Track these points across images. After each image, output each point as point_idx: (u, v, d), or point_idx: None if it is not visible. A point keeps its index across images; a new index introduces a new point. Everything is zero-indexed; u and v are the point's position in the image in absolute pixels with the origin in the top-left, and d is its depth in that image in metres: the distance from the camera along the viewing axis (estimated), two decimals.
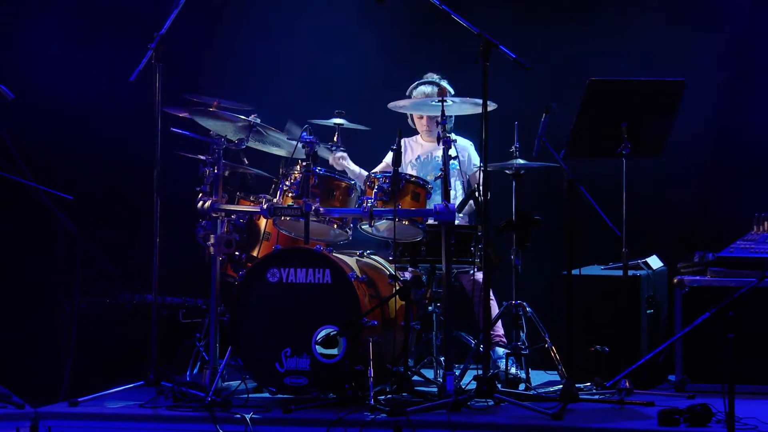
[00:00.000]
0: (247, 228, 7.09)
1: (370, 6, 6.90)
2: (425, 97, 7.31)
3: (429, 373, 6.97)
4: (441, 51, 8.35)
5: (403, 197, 6.69)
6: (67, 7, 8.22)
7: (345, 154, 7.46)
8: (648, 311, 7.21)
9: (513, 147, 7.07)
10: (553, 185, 7.23)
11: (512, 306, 7.01)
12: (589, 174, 6.95)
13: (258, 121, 6.82)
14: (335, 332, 6.36)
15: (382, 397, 6.37)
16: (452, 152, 6.70)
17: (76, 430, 6.19)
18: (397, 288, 6.56)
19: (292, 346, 6.44)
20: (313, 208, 6.57)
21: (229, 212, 6.72)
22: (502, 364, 6.95)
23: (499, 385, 6.40)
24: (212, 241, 6.59)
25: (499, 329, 7.32)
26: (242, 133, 6.84)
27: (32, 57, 8.10)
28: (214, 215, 6.62)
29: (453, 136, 6.78)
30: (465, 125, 7.52)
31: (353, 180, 6.94)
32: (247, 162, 7.18)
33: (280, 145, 7.03)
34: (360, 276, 6.51)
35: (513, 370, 6.90)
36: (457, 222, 6.73)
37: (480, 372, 6.25)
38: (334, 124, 7.04)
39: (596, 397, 6.56)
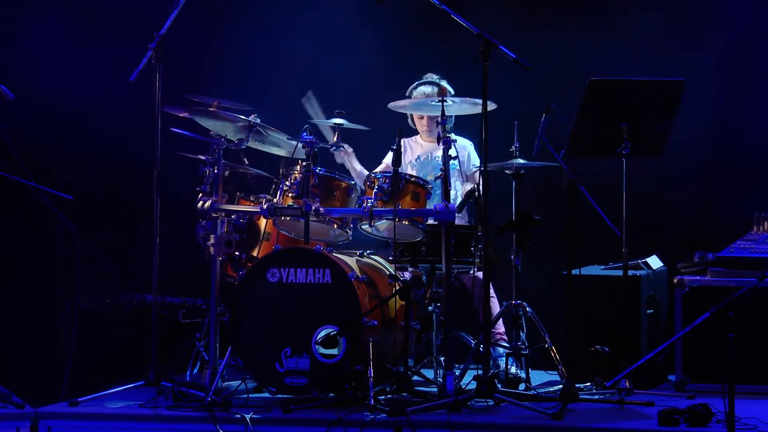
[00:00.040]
0: (247, 228, 7.09)
1: (370, 6, 6.90)
2: (425, 97, 7.31)
3: (429, 373, 6.97)
4: (441, 51, 8.35)
5: (403, 197, 6.69)
6: (67, 7, 8.22)
7: (352, 150, 7.48)
8: (648, 311, 7.21)
9: (513, 147, 7.07)
10: (553, 185, 7.23)
11: (512, 306, 7.01)
12: (589, 174, 6.95)
13: (258, 121, 6.82)
14: (335, 332, 6.36)
15: (382, 397, 6.37)
16: (452, 152, 6.70)
17: (76, 430, 6.19)
18: (397, 288, 6.56)
19: (292, 346, 6.44)
20: (313, 208, 6.57)
21: (229, 212, 6.72)
22: (502, 361, 6.94)
23: (499, 385, 6.40)
24: (212, 241, 6.60)
25: (500, 327, 7.32)
26: (242, 133, 6.84)
27: (32, 57, 8.09)
28: (214, 215, 6.62)
29: (453, 136, 6.78)
30: (465, 125, 7.52)
31: (353, 180, 6.94)
32: (247, 162, 7.18)
33: (280, 145, 7.03)
34: (360, 276, 6.51)
35: (513, 370, 6.90)
36: (456, 222, 6.72)
37: (480, 372, 6.25)
38: (334, 124, 7.04)
39: (596, 397, 6.56)
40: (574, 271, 6.57)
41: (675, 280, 7.06)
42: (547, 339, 6.97)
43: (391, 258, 6.84)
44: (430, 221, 6.72)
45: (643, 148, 6.84)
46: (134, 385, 6.79)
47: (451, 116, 7.11)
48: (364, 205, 6.62)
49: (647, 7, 8.37)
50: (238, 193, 7.10)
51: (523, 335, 7.00)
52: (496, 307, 7.29)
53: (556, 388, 6.69)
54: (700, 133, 8.24)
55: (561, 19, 8.41)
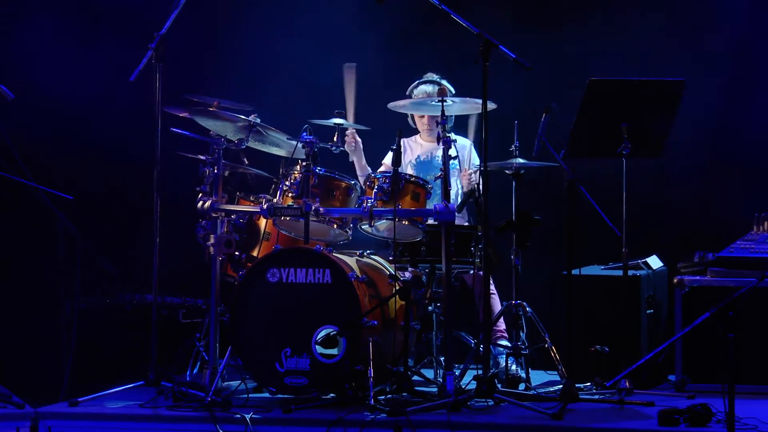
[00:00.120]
0: (247, 228, 7.09)
1: (370, 6, 6.91)
2: (426, 96, 7.30)
3: (429, 373, 6.97)
4: (441, 51, 8.35)
5: (403, 197, 6.69)
6: (67, 7, 8.22)
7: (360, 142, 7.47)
8: (648, 311, 7.21)
9: (513, 147, 7.07)
10: (553, 185, 7.22)
11: (512, 306, 7.01)
12: (589, 174, 6.95)
13: (258, 121, 6.82)
14: (335, 332, 6.36)
15: (382, 397, 6.37)
16: (452, 152, 6.70)
17: (76, 430, 6.19)
18: (397, 288, 6.56)
19: (292, 346, 6.44)
20: (313, 208, 6.57)
21: (229, 212, 6.72)
22: (502, 359, 6.94)
23: (499, 385, 6.40)
24: (212, 241, 6.60)
25: (501, 324, 7.32)
26: (242, 133, 6.84)
27: (32, 57, 8.09)
28: (214, 215, 6.62)
29: (453, 135, 6.78)
30: (465, 125, 7.52)
31: (353, 180, 6.94)
32: (247, 162, 7.18)
33: (280, 145, 7.03)
34: (360, 276, 6.51)
35: (513, 369, 6.89)
36: (456, 222, 6.72)
37: (480, 372, 6.25)
38: (334, 124, 7.04)
39: (596, 397, 6.56)
40: (574, 271, 6.56)
41: (675, 280, 7.06)
42: (547, 339, 6.97)
43: (391, 258, 6.84)
44: (430, 221, 6.72)
45: (643, 148, 6.84)
46: (134, 385, 6.79)
47: (451, 116, 7.13)
48: (364, 205, 6.61)
49: (647, 7, 8.37)
50: (238, 193, 7.10)
51: (523, 335, 7.00)
52: (497, 304, 7.30)
53: (556, 388, 6.69)
54: (700, 133, 8.24)
55: (561, 19, 8.41)
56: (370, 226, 6.76)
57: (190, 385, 6.48)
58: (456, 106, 6.89)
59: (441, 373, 6.68)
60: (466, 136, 7.59)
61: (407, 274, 6.88)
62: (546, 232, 7.05)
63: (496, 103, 6.61)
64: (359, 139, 7.47)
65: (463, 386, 6.46)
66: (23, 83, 7.07)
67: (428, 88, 7.46)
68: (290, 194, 6.72)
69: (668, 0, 8.37)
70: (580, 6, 8.43)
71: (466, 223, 7.37)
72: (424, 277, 6.94)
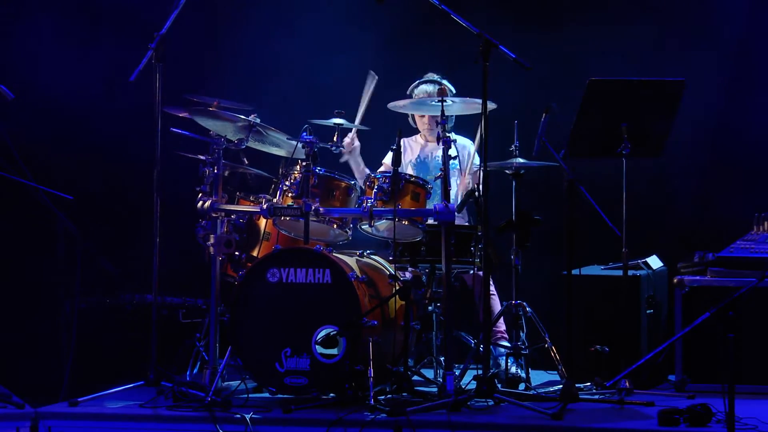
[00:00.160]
0: (247, 228, 7.09)
1: (370, 6, 6.90)
2: (427, 96, 7.30)
3: (429, 373, 6.97)
4: (441, 51, 8.35)
5: (403, 197, 6.69)
6: (67, 7, 8.22)
7: (359, 145, 7.46)
8: (648, 311, 7.21)
9: (513, 147, 7.07)
10: (553, 185, 7.22)
11: (512, 306, 7.01)
12: (589, 174, 6.95)
13: (258, 121, 6.82)
14: (335, 332, 6.36)
15: (382, 397, 6.37)
16: (452, 152, 6.70)
17: (76, 430, 6.19)
18: (397, 288, 6.56)
19: (292, 346, 6.44)
20: (313, 208, 6.57)
21: (229, 212, 6.72)
22: (503, 361, 6.94)
23: (499, 385, 6.40)
24: (212, 241, 6.60)
25: (501, 325, 7.32)
26: (242, 133, 6.84)
27: (32, 57, 8.09)
28: (214, 215, 6.62)
29: (453, 135, 6.78)
30: (465, 125, 7.52)
31: (353, 180, 6.93)
32: (247, 162, 7.18)
33: (280, 145, 7.03)
34: (360, 276, 6.51)
35: (513, 370, 6.90)
36: (456, 222, 6.72)
37: (480, 372, 6.25)
38: (334, 124, 7.04)
39: (596, 397, 6.56)
40: (574, 271, 6.56)
41: (675, 280, 7.06)
42: (547, 339, 6.96)
43: (391, 258, 6.84)
44: (430, 221, 6.72)
45: (643, 148, 6.84)
46: (134, 385, 6.79)
47: (451, 116, 7.14)
48: (364, 205, 6.61)
49: (647, 7, 8.37)
50: (238, 193, 7.10)
51: (523, 335, 7.00)
52: (497, 305, 7.30)
53: (556, 388, 6.69)
54: (700, 133, 8.24)
55: (561, 19, 8.41)
56: (370, 226, 6.76)
57: (190, 385, 6.48)
58: (456, 106, 6.89)
59: (441, 373, 6.67)
60: (469, 137, 7.58)
61: (407, 274, 6.88)
62: (546, 232, 7.05)
63: (496, 103, 6.61)
64: (357, 144, 7.45)
65: (463, 386, 6.46)
66: (23, 83, 7.07)
67: (429, 87, 7.46)
68: (290, 194, 6.71)
69: (668, 0, 8.36)
70: (580, 6, 8.43)
71: (466, 223, 7.37)
72: (424, 277, 6.94)
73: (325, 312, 6.43)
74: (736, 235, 7.22)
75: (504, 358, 6.94)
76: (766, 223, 7.25)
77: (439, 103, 6.72)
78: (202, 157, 6.75)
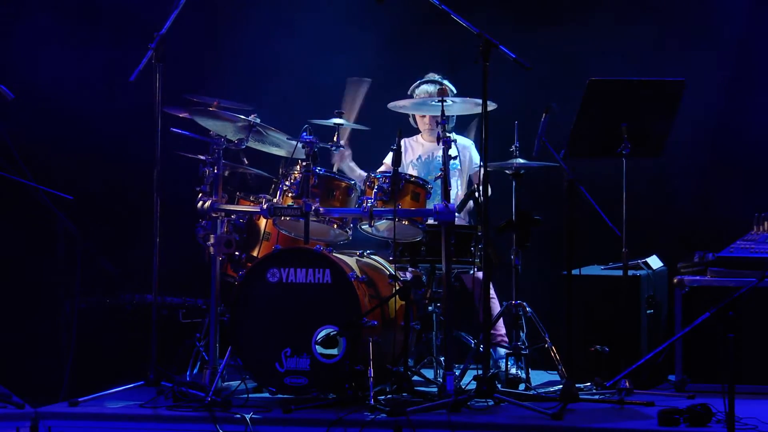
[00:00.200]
0: (247, 228, 7.09)
1: (370, 6, 6.90)
2: (428, 96, 7.30)
3: (429, 373, 6.97)
4: (441, 51, 8.35)
5: (403, 197, 6.69)
6: (67, 7, 8.22)
7: (350, 152, 7.46)
8: (648, 311, 7.21)
9: (513, 147, 7.07)
10: (553, 185, 7.22)
11: (512, 306, 7.01)
12: (589, 174, 6.95)
13: (258, 121, 6.82)
14: (335, 332, 6.36)
15: (382, 397, 6.37)
16: (452, 152, 6.70)
17: (76, 430, 6.19)
18: (397, 288, 6.56)
19: (292, 346, 6.44)
20: (313, 208, 6.57)
21: (229, 212, 6.72)
22: (503, 364, 6.94)
23: (499, 385, 6.40)
24: (212, 241, 6.60)
25: (500, 329, 7.32)
26: (242, 133, 6.84)
27: (32, 57, 8.09)
28: (214, 215, 6.62)
29: (453, 135, 6.78)
30: (466, 125, 7.52)
31: (353, 180, 6.93)
32: (247, 162, 7.18)
33: (280, 145, 7.03)
34: (360, 276, 6.51)
35: (513, 370, 6.90)
36: (456, 222, 6.72)
37: (480, 372, 6.25)
38: (334, 124, 7.04)
39: (596, 397, 6.56)
40: (574, 271, 6.56)
41: (675, 280, 7.06)
42: (547, 339, 6.97)
43: (391, 258, 6.84)
44: (430, 221, 6.72)
45: (643, 148, 6.84)
46: (134, 385, 6.79)
47: (452, 116, 7.14)
48: (364, 205, 6.61)
49: (647, 7, 8.37)
50: (238, 193, 7.10)
51: (523, 335, 7.00)
52: (497, 309, 7.29)
53: (556, 388, 6.69)
54: (700, 133, 8.24)
55: (561, 19, 8.41)
56: (370, 226, 6.76)
57: (190, 385, 6.48)
58: (456, 106, 6.89)
59: (441, 373, 6.68)
60: (467, 136, 7.59)
61: (407, 274, 6.88)
62: (546, 232, 7.06)
63: (496, 103, 6.61)
64: (348, 152, 7.43)
65: (463, 386, 6.46)
66: (23, 83, 7.07)
67: (430, 87, 7.46)
68: (290, 194, 6.71)
69: (668, 0, 8.36)
70: (580, 6, 8.43)
71: (466, 224, 7.36)
72: (424, 277, 6.93)
73: (325, 312, 6.43)
74: (736, 235, 7.22)
75: (504, 360, 6.94)
76: (766, 223, 7.25)
77: (440, 103, 6.72)
78: (202, 157, 6.75)
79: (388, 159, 7.43)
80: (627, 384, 6.55)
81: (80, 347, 6.81)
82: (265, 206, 6.65)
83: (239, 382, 6.57)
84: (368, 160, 7.62)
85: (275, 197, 6.80)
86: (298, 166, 6.72)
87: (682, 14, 8.30)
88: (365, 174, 6.98)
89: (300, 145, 6.71)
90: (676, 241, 8.09)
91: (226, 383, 6.62)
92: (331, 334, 6.36)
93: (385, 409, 6.03)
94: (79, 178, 7.89)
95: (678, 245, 7.91)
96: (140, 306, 7.77)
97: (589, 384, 6.74)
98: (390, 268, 6.85)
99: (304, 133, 6.69)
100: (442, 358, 6.69)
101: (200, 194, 6.64)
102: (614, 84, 6.80)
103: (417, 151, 7.70)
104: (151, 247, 6.69)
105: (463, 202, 7.05)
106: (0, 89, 6.48)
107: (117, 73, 7.08)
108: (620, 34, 8.28)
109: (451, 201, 6.58)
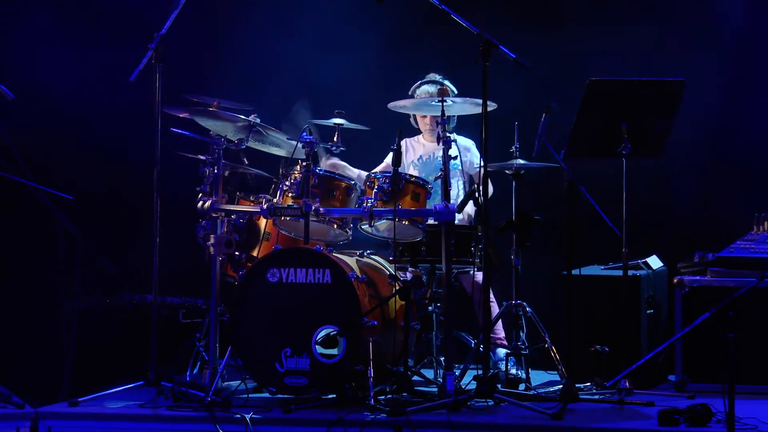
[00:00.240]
0: (247, 228, 7.09)
1: (370, 6, 6.90)
2: (429, 96, 7.29)
3: (429, 373, 6.97)
4: (441, 51, 8.34)
5: (403, 197, 6.69)
6: (67, 7, 8.22)
7: (336, 160, 7.40)
8: (648, 311, 7.21)
9: (513, 147, 7.07)
10: (553, 185, 7.23)
11: (512, 306, 7.01)
12: (589, 174, 6.95)
13: (258, 121, 6.82)
14: (335, 332, 6.36)
15: (382, 397, 6.37)
16: (453, 152, 6.70)
17: (76, 430, 6.19)
18: (397, 288, 6.56)
19: (292, 346, 6.44)
20: (313, 208, 6.57)
21: (229, 212, 6.72)
22: (502, 365, 6.94)
23: (499, 385, 6.40)
24: (212, 241, 6.60)
25: (499, 331, 7.32)
26: (242, 133, 6.84)
27: (32, 57, 8.09)
28: (214, 215, 6.62)
29: (453, 135, 6.78)
30: (466, 125, 7.52)
31: (353, 180, 6.93)
32: (247, 162, 7.18)
33: (280, 145, 7.03)
34: (360, 276, 6.51)
35: (513, 371, 6.89)
36: (456, 222, 6.72)
37: (480, 372, 6.25)
38: (334, 124, 7.04)
39: (596, 397, 6.56)
40: (574, 271, 6.56)
41: (675, 280, 7.06)
42: (547, 339, 6.97)
43: (391, 258, 6.84)
44: (430, 221, 6.72)
45: (643, 148, 6.84)
46: (134, 385, 6.79)
47: (453, 116, 7.14)
48: (364, 205, 6.61)
49: (647, 7, 8.37)
50: (238, 193, 7.10)
51: (523, 335, 7.00)
52: (495, 311, 7.27)
53: (556, 388, 6.69)
54: (700, 133, 8.24)
55: (561, 19, 8.41)
56: (370, 226, 6.76)
57: (190, 385, 6.48)
58: (457, 106, 6.89)
59: (441, 373, 6.68)
60: (470, 137, 7.58)
61: (407, 274, 6.88)
62: (546, 232, 7.05)
63: (496, 103, 6.61)
64: (335, 161, 7.40)
65: (463, 386, 6.46)
66: (23, 83, 7.07)
67: (431, 88, 7.46)
68: (290, 194, 6.72)
69: (668, 0, 8.36)
70: (580, 6, 8.43)
71: (467, 223, 7.36)
72: (424, 277, 6.93)
73: (325, 312, 6.43)
74: (736, 235, 7.22)
75: (503, 361, 6.93)
76: (766, 223, 7.25)
77: (440, 104, 6.72)
78: (202, 157, 6.75)
79: (388, 159, 7.43)
80: (627, 384, 6.55)
81: (80, 347, 6.81)
82: (265, 206, 6.65)
83: (239, 382, 6.57)
84: (368, 160, 7.62)
85: (275, 197, 6.80)
86: (298, 166, 6.72)
87: (682, 14, 8.30)
88: (364, 174, 6.99)
89: (300, 145, 6.71)
90: (676, 241, 8.09)
91: (226, 383, 6.62)
92: (331, 334, 6.36)
93: (385, 409, 6.03)
94: (79, 178, 7.89)
95: (678, 245, 7.91)
96: (140, 306, 7.77)
97: (589, 384, 6.74)
98: (390, 268, 6.85)
99: (304, 133, 6.69)
100: (442, 358, 6.69)
101: (200, 194, 6.64)
102: (614, 84, 6.80)
103: (418, 151, 7.70)
104: (151, 247, 6.69)
105: (463, 202, 7.05)
106: (0, 89, 6.48)
107: (117, 73, 7.07)
108: (620, 34, 8.28)
109: (452, 201, 6.58)
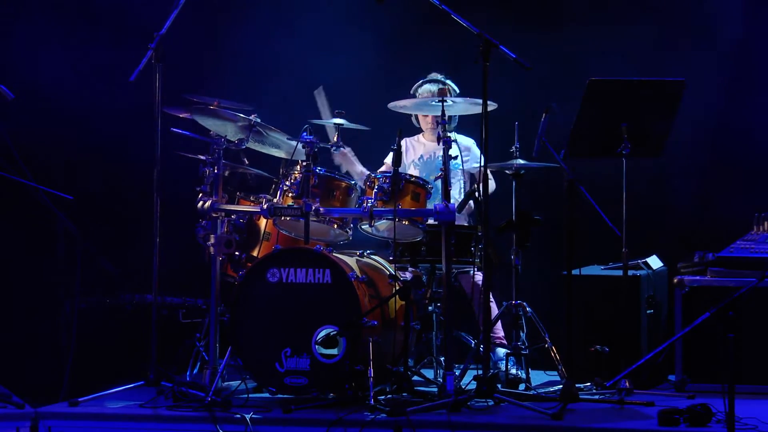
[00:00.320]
0: (247, 228, 7.09)
1: (370, 6, 6.90)
2: (431, 96, 7.29)
3: (429, 373, 6.97)
4: (441, 51, 8.35)
5: (403, 197, 6.69)
6: (67, 7, 8.22)
7: (349, 150, 7.44)
8: (648, 311, 7.21)
9: (513, 147, 7.07)
10: (553, 185, 7.22)
11: (512, 306, 7.01)
12: (589, 174, 6.95)
13: (258, 121, 6.82)
14: (335, 332, 6.36)
15: (382, 397, 6.37)
16: (453, 152, 6.70)
17: (76, 430, 6.19)
18: (397, 288, 6.56)
19: (292, 346, 6.44)
20: (313, 208, 6.57)
21: (229, 212, 6.72)
22: (502, 365, 6.94)
23: (499, 385, 6.40)
24: (212, 241, 6.60)
25: (499, 331, 7.32)
26: (242, 133, 6.84)
27: (32, 57, 8.09)
28: (214, 215, 6.62)
29: (454, 135, 6.78)
30: (466, 125, 7.52)
31: (353, 180, 6.93)
32: (247, 162, 7.18)
33: (280, 145, 7.03)
34: (360, 276, 6.51)
35: (513, 371, 6.89)
36: (456, 222, 6.72)
37: (480, 372, 6.25)
38: (334, 124, 7.04)
39: (596, 397, 6.56)
40: (574, 271, 6.56)
41: (675, 280, 7.06)
42: (547, 339, 6.97)
43: (391, 258, 6.85)
44: (430, 221, 6.72)
45: (643, 148, 6.84)
46: (134, 385, 6.79)
47: (454, 116, 7.14)
48: (364, 205, 6.61)
49: (647, 7, 8.37)
50: (238, 193, 7.10)
51: (523, 335, 7.00)
52: (495, 312, 7.26)
53: (556, 388, 6.69)
54: (700, 133, 8.24)
55: (561, 19, 8.41)
56: (370, 226, 6.76)
57: (190, 385, 6.48)
58: (457, 106, 6.89)
59: (441, 373, 6.68)
60: (472, 137, 7.58)
61: (407, 274, 6.88)
62: (546, 232, 7.06)
63: (496, 103, 6.61)
64: (347, 150, 7.41)
65: (463, 386, 6.45)
66: (23, 83, 7.07)
67: (432, 87, 7.46)
68: (290, 194, 6.72)
69: (668, 0, 8.36)
70: (580, 6, 8.43)
71: (466, 224, 7.36)
72: (424, 277, 6.94)
73: (325, 312, 6.43)
74: (736, 235, 7.22)
75: (503, 361, 6.93)
76: (766, 223, 7.25)
77: (440, 103, 6.72)
78: (202, 157, 6.75)
79: (388, 159, 7.43)
80: (627, 384, 6.55)
81: (80, 347, 6.81)
82: (265, 206, 6.65)
83: (239, 382, 6.57)
84: (368, 160, 7.62)
85: (275, 197, 6.80)
86: (299, 166, 6.72)
87: (682, 14, 8.30)
88: (364, 169, 6.98)
89: (300, 145, 6.71)
90: (676, 241, 8.10)
91: (226, 383, 6.62)
92: (331, 334, 6.36)
93: (385, 409, 6.03)
94: (79, 178, 7.89)
95: (678, 245, 7.91)
96: (140, 306, 7.77)
97: (589, 384, 6.74)
98: (390, 268, 6.85)
99: (304, 133, 6.69)
100: (442, 358, 6.69)
101: (200, 194, 6.64)
102: (614, 84, 6.80)
103: (419, 151, 7.70)
104: (151, 247, 6.69)
105: (463, 202, 7.05)
106: (0, 89, 6.48)
107: (117, 73, 7.07)
108: (620, 34, 8.28)
109: (452, 201, 6.58)
